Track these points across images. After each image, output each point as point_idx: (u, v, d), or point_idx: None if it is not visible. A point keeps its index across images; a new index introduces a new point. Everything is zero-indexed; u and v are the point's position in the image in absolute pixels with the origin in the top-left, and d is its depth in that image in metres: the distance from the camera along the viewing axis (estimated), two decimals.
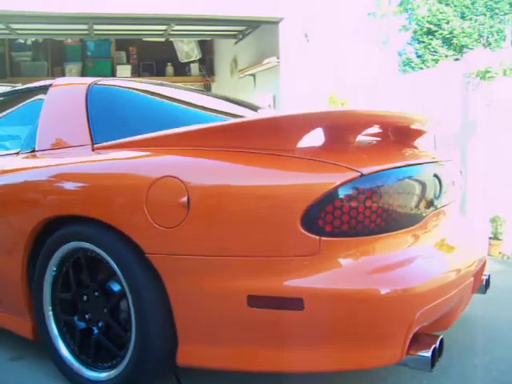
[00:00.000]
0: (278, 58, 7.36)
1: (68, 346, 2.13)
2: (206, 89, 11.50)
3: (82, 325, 2.10)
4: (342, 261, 1.66)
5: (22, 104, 2.83)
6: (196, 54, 10.65)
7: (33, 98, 2.70)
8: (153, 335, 1.85)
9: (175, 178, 1.76)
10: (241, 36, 8.95)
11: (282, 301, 1.65)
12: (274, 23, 7.26)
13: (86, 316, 2.09)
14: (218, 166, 1.79)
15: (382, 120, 1.98)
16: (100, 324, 2.04)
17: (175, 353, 1.85)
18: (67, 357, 2.11)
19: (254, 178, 1.72)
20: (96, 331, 2.05)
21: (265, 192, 1.67)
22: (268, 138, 1.77)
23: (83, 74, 11.00)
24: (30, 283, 2.25)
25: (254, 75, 8.62)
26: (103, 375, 2.00)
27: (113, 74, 11.02)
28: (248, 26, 8.33)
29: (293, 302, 1.64)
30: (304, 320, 1.65)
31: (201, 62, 11.17)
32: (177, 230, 1.75)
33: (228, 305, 1.73)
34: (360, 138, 1.95)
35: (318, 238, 1.63)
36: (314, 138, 1.80)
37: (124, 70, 11.07)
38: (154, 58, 11.40)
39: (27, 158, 2.38)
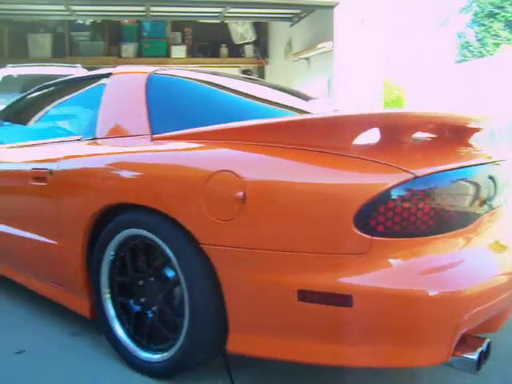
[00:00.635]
0: (332, 42, 7.31)
1: (123, 326, 2.24)
2: (260, 71, 11.52)
3: (137, 308, 2.19)
4: (392, 261, 1.68)
5: (83, 91, 2.93)
6: (250, 36, 10.67)
7: (94, 86, 2.80)
8: (205, 322, 1.93)
9: (232, 172, 1.82)
10: (296, 19, 8.92)
11: (332, 297, 1.69)
12: (330, 7, 7.20)
13: (141, 300, 2.18)
14: (274, 162, 1.84)
15: (440, 121, 1.98)
16: (154, 308, 2.13)
17: (225, 339, 1.93)
18: (122, 337, 2.22)
19: (309, 175, 1.76)
20: (150, 315, 2.14)
21: (319, 190, 1.71)
22: (324, 136, 1.80)
23: (139, 53, 11.19)
24: (88, 265, 2.36)
25: (308, 59, 8.59)
26: (157, 356, 2.10)
27: (168, 55, 11.16)
28: (303, 10, 8.29)
29: (342, 299, 1.67)
30: (352, 317, 1.68)
31: (255, 43, 11.19)
32: (231, 223, 1.81)
33: (278, 298, 1.78)
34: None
35: (369, 237, 1.66)
36: (369, 136, 1.82)
37: (179, 51, 11.19)
38: (209, 39, 11.47)
39: (89, 144, 2.48)
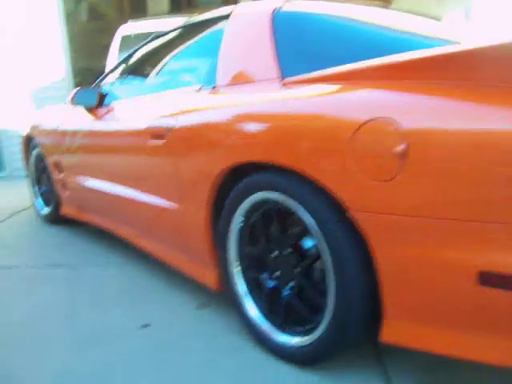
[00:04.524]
0: None
1: (256, 303, 1.96)
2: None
3: (271, 283, 1.89)
4: None
5: (200, 36, 2.63)
6: None
7: (211, 29, 2.49)
8: (353, 304, 1.59)
9: (389, 119, 1.40)
10: None
11: None
12: None
13: (276, 274, 1.87)
14: (443, 106, 1.37)
15: None
16: (291, 284, 1.82)
17: (376, 326, 1.58)
18: (254, 316, 1.95)
19: (491, 121, 1.28)
20: (286, 292, 1.83)
21: (507, 140, 1.26)
22: (504, 69, 1.33)
23: None
24: (214, 233, 2.09)
25: None
26: (295, 340, 1.80)
27: None
28: None
29: None
30: None
31: None
32: (390, 184, 1.41)
33: (451, 280, 1.38)
34: None
35: None
36: None
37: None
38: None
39: (210, 94, 2.16)
